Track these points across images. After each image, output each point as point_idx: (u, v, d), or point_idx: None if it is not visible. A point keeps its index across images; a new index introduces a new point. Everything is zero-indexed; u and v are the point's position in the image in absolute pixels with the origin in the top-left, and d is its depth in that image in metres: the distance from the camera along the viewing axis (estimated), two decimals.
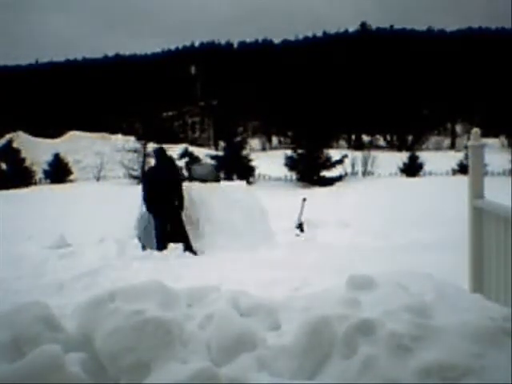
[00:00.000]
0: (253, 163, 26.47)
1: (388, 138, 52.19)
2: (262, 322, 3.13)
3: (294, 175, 26.94)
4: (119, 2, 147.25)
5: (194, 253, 8.94)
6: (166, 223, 9.08)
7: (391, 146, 48.15)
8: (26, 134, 33.01)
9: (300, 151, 26.77)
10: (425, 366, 2.54)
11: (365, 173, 27.95)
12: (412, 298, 3.22)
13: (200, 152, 27.93)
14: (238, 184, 11.14)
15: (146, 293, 3.10)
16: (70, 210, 15.66)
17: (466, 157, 19.71)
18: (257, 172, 26.73)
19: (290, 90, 47.31)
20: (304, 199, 12.42)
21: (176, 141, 33.99)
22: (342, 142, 51.45)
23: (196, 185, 9.89)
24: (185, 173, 10.34)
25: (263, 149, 47.24)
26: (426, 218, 12.83)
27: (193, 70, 55.94)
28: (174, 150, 28.40)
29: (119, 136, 33.08)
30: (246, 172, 25.18)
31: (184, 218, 9.35)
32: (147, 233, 9.67)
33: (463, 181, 5.49)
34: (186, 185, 9.77)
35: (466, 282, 4.59)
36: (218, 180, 10.32)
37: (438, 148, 45.43)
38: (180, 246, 8.82)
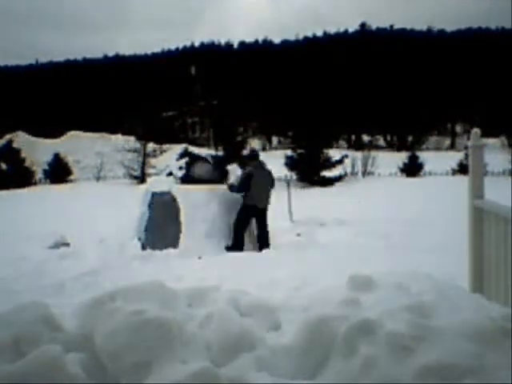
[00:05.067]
0: None
1: (388, 138, 52.17)
2: (262, 322, 3.13)
3: (294, 175, 26.93)
4: (120, 2, 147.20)
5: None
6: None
7: (391, 146, 48.12)
8: (25, 133, 33.00)
9: (300, 151, 26.74)
10: (425, 366, 2.54)
11: (365, 173, 27.93)
12: (412, 298, 3.22)
13: (200, 152, 27.90)
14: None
15: (146, 293, 3.10)
16: (70, 210, 15.66)
17: (466, 157, 19.71)
18: None
19: (290, 90, 47.29)
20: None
21: (176, 141, 33.96)
22: (342, 142, 51.42)
23: (194, 186, 9.87)
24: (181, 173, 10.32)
25: (263, 149, 47.22)
26: (426, 217, 12.83)
27: (193, 70, 55.89)
28: (174, 150, 28.46)
29: (119, 136, 33.06)
30: None
31: (182, 219, 9.35)
32: (148, 233, 9.67)
33: (463, 181, 5.49)
34: (184, 187, 9.77)
35: (466, 281, 4.59)
36: (217, 181, 10.29)
37: (438, 148, 45.40)
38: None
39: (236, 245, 9.19)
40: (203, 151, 28.96)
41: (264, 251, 8.91)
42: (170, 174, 10.56)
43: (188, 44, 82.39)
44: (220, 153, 27.19)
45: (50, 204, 18.04)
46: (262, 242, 9.44)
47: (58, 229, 10.51)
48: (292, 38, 76.92)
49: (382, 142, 51.82)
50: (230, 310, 3.09)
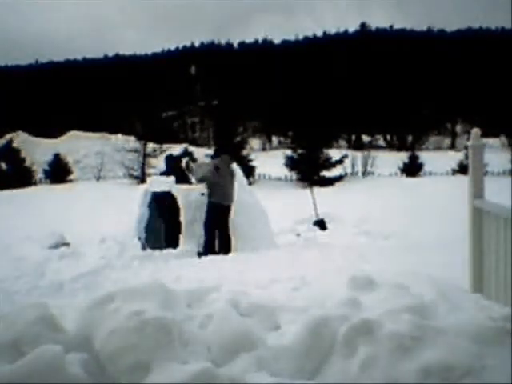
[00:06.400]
0: (253, 163, 26.46)
1: (388, 137, 52.15)
2: (262, 323, 3.12)
3: (294, 175, 26.94)
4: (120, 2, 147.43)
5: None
6: None
7: (391, 146, 48.10)
8: (26, 133, 33.01)
9: (300, 151, 26.76)
10: (425, 366, 2.54)
11: (365, 173, 27.93)
12: (412, 298, 3.22)
13: (200, 152, 27.91)
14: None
15: (146, 293, 3.10)
16: (70, 210, 15.65)
17: (466, 157, 19.71)
18: (257, 172, 26.70)
19: (290, 90, 47.29)
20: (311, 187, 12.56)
21: (176, 141, 33.96)
22: (342, 142, 51.37)
23: (195, 186, 9.87)
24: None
25: (263, 149, 47.21)
26: (426, 217, 12.84)
27: (193, 70, 55.91)
28: (173, 150, 28.47)
29: (119, 136, 33.05)
30: (246, 172, 25.12)
31: (182, 219, 9.34)
32: (148, 233, 9.67)
33: (463, 181, 5.49)
34: (184, 187, 9.77)
35: (466, 281, 4.59)
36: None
37: (438, 148, 45.40)
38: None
39: (207, 249, 8.68)
40: (203, 151, 29.00)
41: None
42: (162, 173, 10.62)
43: (188, 44, 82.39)
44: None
45: (50, 204, 18.03)
46: (222, 246, 8.81)
47: (57, 229, 10.51)
48: (292, 38, 76.93)
49: (382, 141, 51.78)
50: (230, 310, 3.08)
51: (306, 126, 27.29)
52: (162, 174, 10.50)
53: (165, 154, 11.49)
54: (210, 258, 8.30)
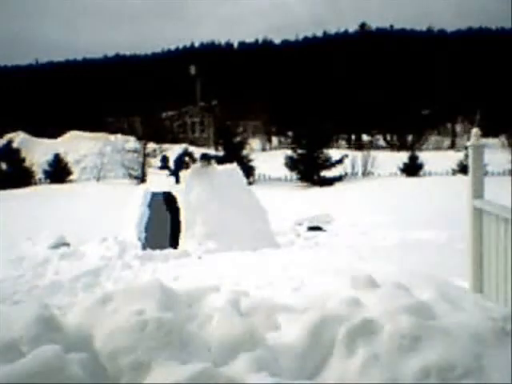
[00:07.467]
0: (253, 163, 26.44)
1: (388, 137, 52.12)
2: (262, 322, 3.12)
3: (294, 175, 26.93)
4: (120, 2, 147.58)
5: None
6: None
7: (391, 146, 48.06)
8: (26, 133, 33.00)
9: (300, 151, 26.74)
10: (425, 365, 2.54)
11: (365, 173, 27.92)
12: (412, 298, 3.22)
13: (200, 152, 27.84)
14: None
15: (146, 293, 3.10)
16: (71, 210, 15.65)
17: (466, 157, 19.69)
18: (257, 172, 26.69)
19: (290, 89, 47.28)
20: None
21: (176, 141, 33.96)
22: (342, 142, 51.34)
23: (195, 185, 9.88)
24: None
25: (263, 149, 47.14)
26: (425, 218, 12.82)
27: (193, 70, 55.82)
28: (174, 150, 28.46)
29: (119, 136, 33.03)
30: (246, 172, 25.10)
31: (182, 219, 9.34)
32: (148, 233, 9.67)
33: (463, 181, 5.49)
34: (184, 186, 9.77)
35: (466, 281, 4.59)
36: None
37: (438, 148, 45.35)
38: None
39: None
40: (203, 151, 28.96)
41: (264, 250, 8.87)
42: (171, 174, 10.59)
43: (188, 44, 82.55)
44: (220, 153, 27.19)
45: (51, 204, 18.03)
46: None
47: (58, 229, 10.50)
48: (292, 38, 77.03)
49: (382, 141, 51.74)
50: (230, 310, 3.08)
51: (306, 126, 27.28)
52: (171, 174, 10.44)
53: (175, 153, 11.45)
54: (210, 257, 8.32)
